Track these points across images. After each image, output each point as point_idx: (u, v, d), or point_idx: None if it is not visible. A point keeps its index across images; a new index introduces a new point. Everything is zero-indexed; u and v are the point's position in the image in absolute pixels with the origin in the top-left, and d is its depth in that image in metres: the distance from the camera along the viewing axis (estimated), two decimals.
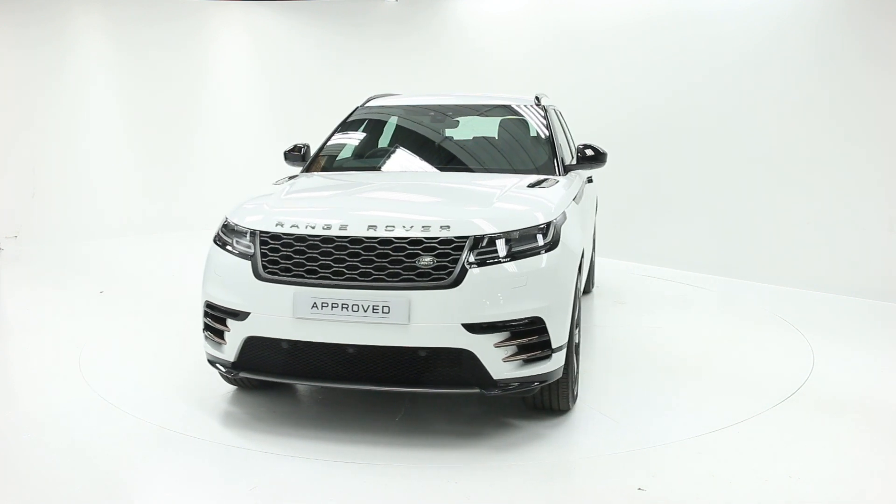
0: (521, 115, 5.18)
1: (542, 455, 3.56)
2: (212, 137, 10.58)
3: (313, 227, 3.52)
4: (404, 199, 4.11)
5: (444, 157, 5.04)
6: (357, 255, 3.44)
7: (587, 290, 6.58)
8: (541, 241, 3.56)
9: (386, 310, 3.34)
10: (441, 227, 3.44)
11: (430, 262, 3.39)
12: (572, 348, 3.79)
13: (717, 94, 7.55)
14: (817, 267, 6.96)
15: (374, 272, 3.41)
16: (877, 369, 4.86)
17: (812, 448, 3.66)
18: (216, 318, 3.71)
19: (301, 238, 3.53)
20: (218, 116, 10.59)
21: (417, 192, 4.21)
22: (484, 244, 3.44)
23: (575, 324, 3.94)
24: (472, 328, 3.34)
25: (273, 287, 3.50)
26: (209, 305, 3.76)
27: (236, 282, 3.62)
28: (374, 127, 5.32)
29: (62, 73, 9.55)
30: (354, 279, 3.41)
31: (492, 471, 3.39)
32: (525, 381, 3.47)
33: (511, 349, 3.41)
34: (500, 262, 3.43)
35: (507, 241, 3.49)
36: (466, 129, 5.31)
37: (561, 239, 3.64)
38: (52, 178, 9.49)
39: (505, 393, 3.47)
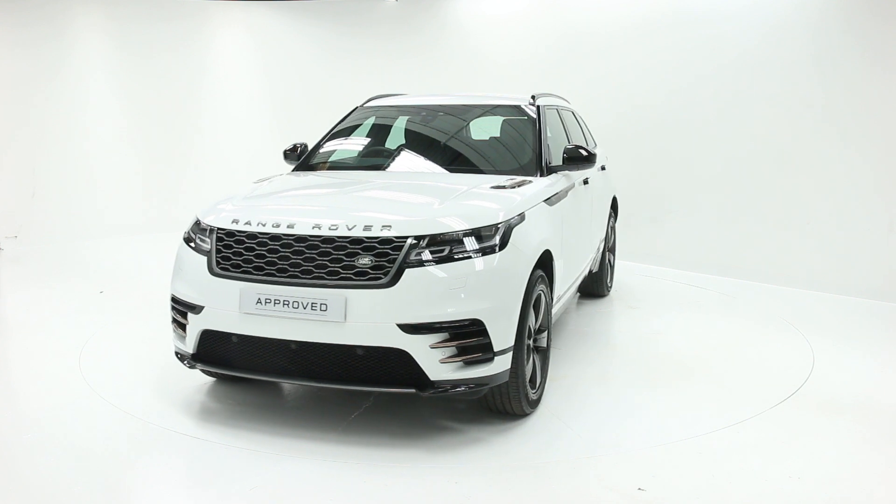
0: (512, 116, 5.16)
1: (542, 455, 3.56)
2: (212, 137, 10.58)
3: (264, 225, 3.62)
4: (362, 199, 4.13)
5: (427, 158, 5.01)
6: (301, 253, 3.51)
7: (600, 294, 6.54)
8: (486, 242, 3.53)
9: (324, 307, 3.39)
10: (383, 226, 3.47)
11: (369, 262, 3.42)
12: (523, 351, 3.70)
13: (717, 95, 7.55)
14: (817, 267, 6.96)
15: (315, 270, 3.47)
16: (876, 369, 4.86)
17: (812, 448, 3.66)
18: (179, 312, 3.84)
19: (252, 235, 3.63)
20: (218, 116, 10.58)
21: (378, 193, 4.25)
22: (424, 245, 3.44)
23: (538, 328, 3.98)
24: (407, 328, 3.34)
25: (224, 282, 3.61)
26: (173, 299, 3.90)
27: (194, 277, 3.76)
28: (366, 127, 5.38)
29: (62, 72, 9.54)
30: (297, 276, 3.48)
31: (492, 471, 3.39)
32: (466, 384, 3.45)
33: (449, 351, 3.40)
34: (439, 263, 3.42)
35: (449, 242, 3.47)
36: (456, 129, 5.30)
37: (511, 241, 3.61)
38: (52, 178, 9.49)
39: (445, 394, 3.44)
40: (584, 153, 4.63)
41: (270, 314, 3.47)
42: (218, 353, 3.75)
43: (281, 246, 3.55)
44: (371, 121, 5.42)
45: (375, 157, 5.14)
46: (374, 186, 4.39)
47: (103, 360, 4.84)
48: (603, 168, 6.28)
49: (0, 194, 9.16)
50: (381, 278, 3.39)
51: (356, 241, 3.45)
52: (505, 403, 3.79)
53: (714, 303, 6.55)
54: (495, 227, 3.58)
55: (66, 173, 9.61)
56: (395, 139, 5.25)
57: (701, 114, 7.69)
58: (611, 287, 6.77)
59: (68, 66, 9.58)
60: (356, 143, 5.28)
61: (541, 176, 4.52)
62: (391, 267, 3.39)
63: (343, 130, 5.34)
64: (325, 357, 3.50)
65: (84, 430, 3.82)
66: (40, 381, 4.54)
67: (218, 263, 3.69)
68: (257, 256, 3.59)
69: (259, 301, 3.49)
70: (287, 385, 4.32)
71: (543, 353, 4.14)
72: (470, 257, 3.46)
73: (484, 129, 5.20)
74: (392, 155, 5.04)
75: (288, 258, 3.52)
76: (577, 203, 5.05)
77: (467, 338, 3.42)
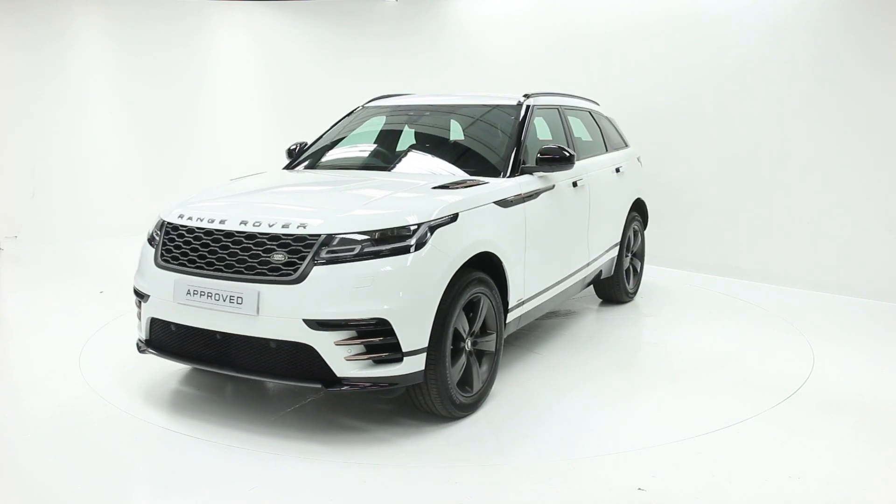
0: (496, 116, 5.14)
1: (542, 455, 3.56)
2: (212, 137, 10.57)
3: (201, 221, 3.81)
4: (300, 197, 4.24)
5: (398, 158, 5.07)
6: (227, 248, 3.66)
7: (619, 300, 6.29)
8: (397, 243, 3.53)
9: (239, 300, 3.53)
10: (299, 224, 3.56)
11: (283, 258, 3.51)
12: (443, 353, 3.66)
13: (717, 95, 7.55)
14: (817, 267, 6.96)
15: (236, 265, 3.61)
16: (876, 369, 4.86)
17: (812, 448, 3.66)
18: (137, 301, 4.08)
19: (191, 230, 3.83)
20: (218, 116, 10.58)
21: (320, 192, 4.36)
22: (335, 243, 3.49)
23: (474, 331, 3.96)
24: (313, 324, 3.41)
25: (164, 273, 3.84)
26: (133, 289, 4.13)
27: (146, 267, 4.01)
28: (357, 128, 5.49)
29: (62, 72, 9.54)
30: (221, 270, 3.64)
31: (492, 471, 3.39)
32: (375, 382, 3.49)
33: (357, 348, 3.46)
34: (347, 262, 3.46)
35: (360, 241, 3.50)
36: (439, 130, 5.37)
37: (431, 242, 3.59)
38: (52, 179, 9.48)
39: (354, 391, 3.49)
40: (559, 154, 4.56)
41: (198, 305, 3.65)
42: (163, 341, 3.95)
43: (212, 241, 3.72)
44: (364, 122, 5.53)
45: (353, 158, 5.26)
46: (322, 186, 4.51)
47: (103, 360, 4.84)
48: (618, 170, 6.05)
49: (0, 194, 9.16)
50: (291, 274, 3.48)
51: (274, 237, 3.57)
52: (428, 404, 3.79)
53: (714, 303, 6.55)
54: (409, 227, 3.58)
55: (66, 173, 9.61)
56: (380, 140, 5.36)
57: (701, 114, 7.69)
58: (633, 293, 6.51)
59: (68, 66, 9.58)
60: (342, 144, 5.41)
61: (508, 176, 4.47)
62: (301, 264, 3.48)
63: (335, 131, 5.51)
64: (244, 349, 3.62)
65: (84, 430, 3.82)
66: (40, 381, 4.54)
67: (162, 255, 3.91)
68: (192, 250, 3.78)
69: (189, 292, 3.68)
70: (287, 385, 4.32)
71: (491, 357, 4.12)
72: (379, 257, 3.48)
73: (466, 130, 5.23)
74: (371, 155, 5.22)
75: (216, 252, 3.69)
76: (559, 205, 4.92)
77: (374, 337, 3.46)
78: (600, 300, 6.43)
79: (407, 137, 5.32)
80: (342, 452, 3.55)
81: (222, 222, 3.72)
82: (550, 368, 4.74)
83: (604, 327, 5.74)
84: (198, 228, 3.79)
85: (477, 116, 5.28)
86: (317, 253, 3.48)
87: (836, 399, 4.27)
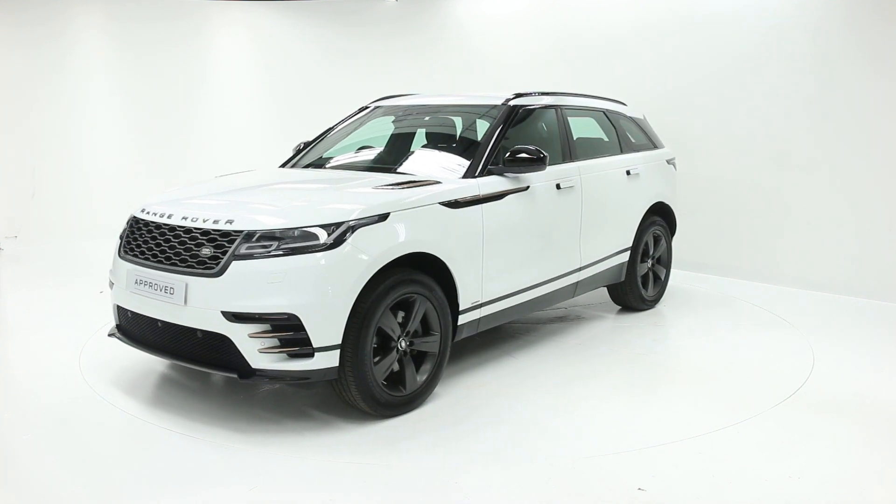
0: (478, 116, 5.14)
1: (541, 455, 3.56)
2: (212, 137, 10.57)
3: (155, 215, 4.04)
4: (249, 195, 4.32)
5: (375, 159, 5.24)
6: (169, 241, 3.88)
7: (635, 307, 6.05)
8: (313, 240, 3.62)
9: (171, 291, 3.74)
10: (226, 221, 3.73)
11: (209, 252, 3.69)
12: (364, 351, 3.70)
13: (717, 96, 7.55)
14: (817, 267, 6.96)
15: (173, 257, 3.82)
16: (876, 369, 4.86)
17: (812, 448, 3.66)
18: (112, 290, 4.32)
19: (146, 223, 4.08)
20: (218, 116, 10.57)
21: (274, 190, 4.45)
22: (255, 239, 3.62)
23: (409, 331, 3.97)
24: (229, 316, 3.57)
25: (123, 263, 4.13)
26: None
27: (114, 257, 4.32)
28: (354, 128, 5.58)
29: (62, 72, 9.54)
30: (161, 262, 3.87)
31: (492, 470, 3.39)
32: (288, 375, 3.62)
33: (270, 342, 3.58)
34: (263, 257, 3.58)
35: (277, 238, 3.62)
36: (421, 130, 5.46)
37: (350, 241, 3.65)
38: (52, 179, 9.48)
39: (269, 381, 3.74)
40: (529, 155, 4.49)
41: (143, 294, 3.90)
42: (125, 327, 4.21)
43: (159, 234, 3.95)
44: (363, 123, 5.60)
45: (337, 158, 5.33)
46: (284, 184, 4.61)
47: (103, 360, 4.84)
48: (629, 173, 5.80)
49: (0, 194, 9.16)
50: (213, 268, 3.64)
51: (205, 233, 3.75)
52: (350, 400, 3.83)
53: (714, 303, 6.55)
54: (327, 226, 3.66)
55: (66, 173, 9.61)
56: (367, 141, 5.46)
57: (701, 113, 7.69)
58: (653, 300, 6.23)
59: (68, 65, 9.58)
60: (332, 144, 5.52)
61: (471, 177, 4.44)
62: (223, 258, 3.63)
63: (333, 131, 5.64)
64: (178, 337, 3.82)
65: (84, 430, 3.82)
66: (40, 381, 4.54)
67: (123, 247, 4.21)
68: (143, 242, 4.03)
69: (136, 281, 3.96)
70: (288, 387, 4.32)
71: (434, 358, 4.13)
72: (293, 254, 3.58)
73: (446, 130, 5.25)
74: (353, 155, 5.32)
75: (160, 245, 3.91)
76: (534, 207, 4.79)
77: (285, 331, 3.57)
78: (619, 307, 6.22)
79: (390, 139, 5.43)
80: (342, 452, 3.55)
81: (169, 217, 3.95)
82: (516, 373, 4.66)
83: (600, 333, 5.66)
84: (150, 222, 4.04)
85: (461, 117, 5.32)
86: (237, 248, 3.62)
87: (836, 399, 4.27)
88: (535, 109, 5.22)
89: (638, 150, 6.14)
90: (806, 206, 7.05)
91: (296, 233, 3.63)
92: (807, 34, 6.92)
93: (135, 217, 4.21)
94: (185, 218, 3.87)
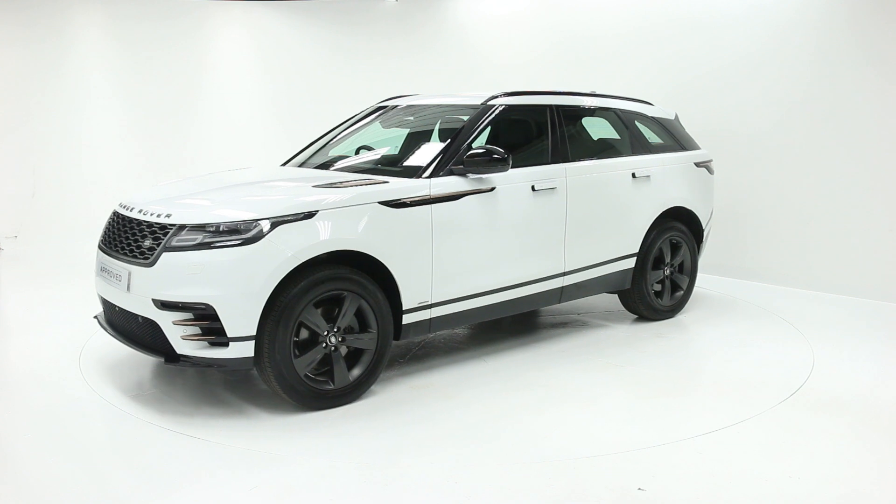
0: (455, 116, 5.14)
1: (541, 454, 3.56)
2: (212, 136, 10.57)
3: (124, 208, 4.32)
4: (208, 192, 4.47)
5: (343, 159, 5.32)
6: (125, 232, 4.15)
7: (647, 317, 5.79)
8: (234, 235, 3.80)
9: (119, 278, 4.04)
10: (165, 215, 3.97)
11: (149, 244, 3.94)
12: (282, 343, 3.82)
13: (717, 97, 7.54)
14: (817, 267, 6.95)
15: (126, 247, 4.08)
16: (877, 369, 4.85)
17: (812, 448, 3.66)
18: None
19: (116, 215, 4.37)
20: (218, 115, 10.57)
21: (232, 187, 4.53)
22: (184, 232, 3.84)
23: (339, 328, 4.01)
24: (157, 304, 3.82)
25: (99, 252, 4.40)
26: None
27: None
28: (347, 128, 5.66)
29: (62, 71, 9.53)
30: (116, 251, 4.16)
31: (493, 470, 3.39)
32: (208, 362, 3.83)
33: (192, 329, 3.81)
34: (187, 250, 3.80)
35: (203, 232, 3.83)
36: (405, 131, 5.55)
37: (269, 237, 3.81)
38: (51, 178, 9.48)
39: (194, 367, 3.96)
40: (488, 156, 4.46)
41: (104, 279, 4.24)
42: (105, 313, 4.46)
43: (121, 225, 4.23)
44: (361, 123, 5.63)
45: (318, 158, 5.40)
46: (248, 182, 4.71)
47: (103, 360, 4.85)
48: (634, 175, 5.52)
49: (0, 194, 9.16)
50: (149, 258, 3.89)
51: (150, 225, 4.00)
52: (272, 389, 3.98)
53: (714, 303, 6.55)
54: (247, 222, 3.83)
55: (66, 173, 9.60)
56: (351, 141, 5.54)
57: (701, 114, 7.68)
58: (669, 310, 5.90)
59: (68, 64, 9.58)
60: (319, 143, 5.62)
61: (427, 177, 4.42)
62: (157, 249, 3.87)
63: (330, 131, 5.73)
64: (127, 321, 4.11)
65: (84, 430, 3.83)
66: (40, 380, 4.54)
67: (101, 238, 4.46)
68: (111, 233, 4.32)
69: (101, 269, 4.30)
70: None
71: (370, 355, 4.16)
72: (214, 248, 3.78)
73: (421, 131, 5.30)
74: (329, 154, 5.41)
75: (120, 236, 4.19)
76: (500, 209, 4.68)
77: (203, 320, 3.79)
78: (635, 316, 5.94)
79: (369, 138, 5.50)
80: (342, 453, 3.55)
81: (130, 210, 4.23)
82: (485, 375, 4.63)
83: (599, 338, 5.63)
84: (120, 215, 4.32)
85: (442, 117, 5.34)
86: (169, 241, 3.85)
87: (836, 399, 4.27)
88: (519, 109, 5.12)
89: (655, 152, 5.81)
90: (806, 206, 7.05)
91: (220, 227, 3.82)
92: (806, 35, 6.92)
93: (114, 210, 4.49)
94: (140, 212, 4.13)
